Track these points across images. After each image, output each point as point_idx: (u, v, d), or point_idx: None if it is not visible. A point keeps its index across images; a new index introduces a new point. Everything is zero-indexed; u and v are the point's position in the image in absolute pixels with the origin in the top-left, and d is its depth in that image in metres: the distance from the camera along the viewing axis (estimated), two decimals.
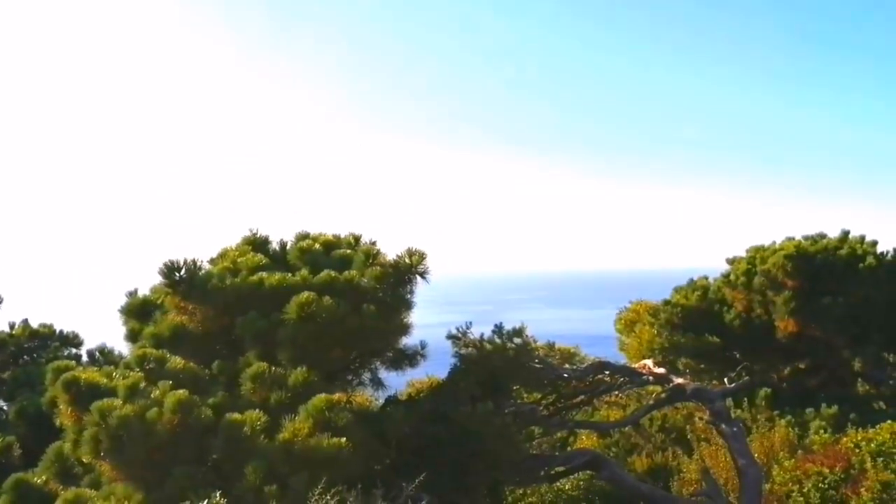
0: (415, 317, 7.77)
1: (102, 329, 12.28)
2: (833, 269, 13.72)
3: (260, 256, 7.94)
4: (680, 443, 12.38)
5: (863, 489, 8.55)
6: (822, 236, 14.38)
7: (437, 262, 7.67)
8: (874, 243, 14.09)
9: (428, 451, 7.10)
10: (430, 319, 9.94)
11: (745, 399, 13.04)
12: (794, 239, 14.42)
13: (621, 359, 14.40)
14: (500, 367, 8.56)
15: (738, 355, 14.35)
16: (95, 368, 7.36)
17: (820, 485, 8.83)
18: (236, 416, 5.99)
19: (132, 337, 7.93)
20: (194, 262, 7.48)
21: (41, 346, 13.63)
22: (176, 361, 6.75)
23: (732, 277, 14.77)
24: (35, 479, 7.05)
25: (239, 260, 7.84)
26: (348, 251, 8.01)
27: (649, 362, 10.75)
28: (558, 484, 10.12)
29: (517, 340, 8.89)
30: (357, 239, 8.34)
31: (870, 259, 13.64)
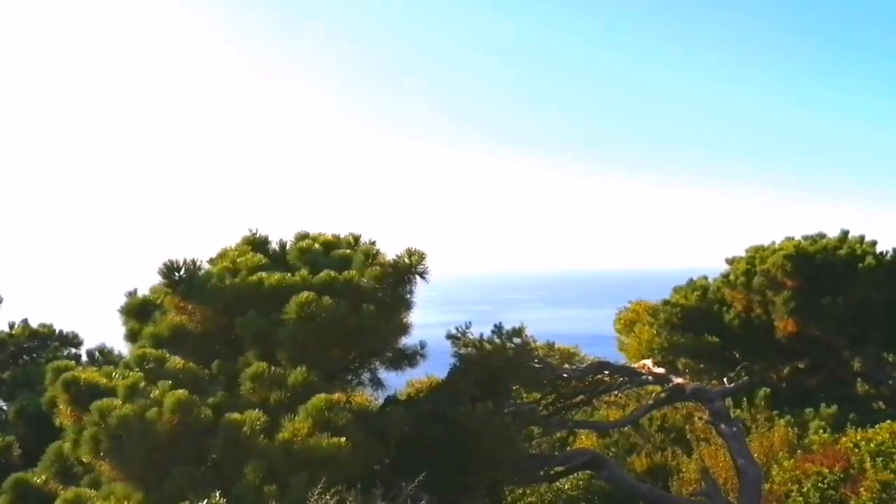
0: (414, 317, 7.76)
1: (102, 329, 12.28)
2: (832, 269, 13.72)
3: (259, 256, 7.94)
4: (679, 443, 12.39)
5: (862, 489, 8.55)
6: (822, 236, 14.38)
7: (437, 262, 7.67)
8: (873, 243, 14.09)
9: (427, 451, 7.10)
10: (429, 319, 9.95)
11: (745, 399, 13.06)
12: (793, 239, 14.43)
13: (621, 359, 14.38)
14: (499, 366, 8.56)
15: (737, 355, 14.32)
16: (95, 368, 7.37)
17: (819, 485, 8.83)
18: (236, 415, 6.00)
19: (132, 337, 7.94)
20: (194, 261, 7.49)
21: (41, 346, 13.63)
22: (175, 361, 6.76)
23: (732, 277, 14.76)
24: (35, 478, 7.05)
25: (238, 260, 7.84)
26: (348, 251, 8.01)
27: (649, 362, 10.75)
28: (558, 484, 10.13)
29: (517, 340, 8.90)
30: (356, 239, 8.33)
31: (869, 259, 13.63)
